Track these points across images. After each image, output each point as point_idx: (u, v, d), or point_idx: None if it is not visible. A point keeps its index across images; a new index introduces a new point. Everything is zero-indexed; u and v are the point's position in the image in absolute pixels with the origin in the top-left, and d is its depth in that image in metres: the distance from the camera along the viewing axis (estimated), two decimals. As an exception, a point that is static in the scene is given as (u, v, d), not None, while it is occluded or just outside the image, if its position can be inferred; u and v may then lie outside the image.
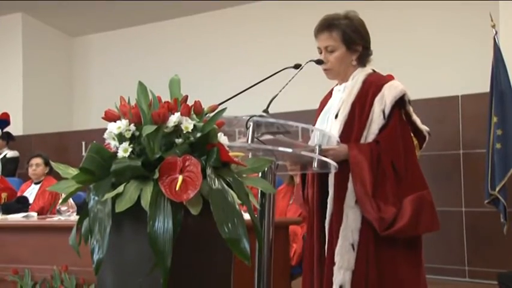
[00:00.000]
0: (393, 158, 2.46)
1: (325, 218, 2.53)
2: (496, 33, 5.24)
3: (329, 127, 2.58)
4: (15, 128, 8.42)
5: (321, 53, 2.62)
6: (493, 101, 5.14)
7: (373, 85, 2.54)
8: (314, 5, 6.94)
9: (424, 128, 2.67)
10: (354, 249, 2.45)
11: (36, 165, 6.06)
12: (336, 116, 2.56)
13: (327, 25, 2.59)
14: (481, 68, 5.60)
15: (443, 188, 5.36)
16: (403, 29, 6.56)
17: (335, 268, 2.46)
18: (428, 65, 6.42)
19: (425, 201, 2.45)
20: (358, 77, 2.59)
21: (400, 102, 2.53)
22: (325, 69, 2.63)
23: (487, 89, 5.23)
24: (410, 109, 2.58)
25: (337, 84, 2.71)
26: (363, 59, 2.63)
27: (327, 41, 2.58)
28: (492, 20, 5.20)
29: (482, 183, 5.15)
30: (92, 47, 9.16)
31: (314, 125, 2.68)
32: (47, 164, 6.03)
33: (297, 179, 2.85)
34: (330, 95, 2.74)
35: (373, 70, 2.64)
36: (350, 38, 2.56)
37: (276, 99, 2.37)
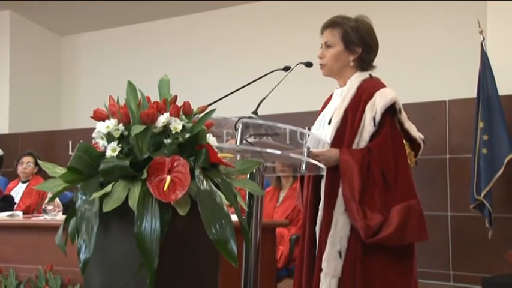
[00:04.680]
0: (383, 166, 2.44)
1: (316, 223, 2.52)
2: (484, 39, 5.28)
3: (324, 133, 2.57)
4: (1, 126, 8.36)
5: (321, 48, 2.63)
6: (479, 106, 5.18)
7: (366, 92, 2.52)
8: (305, 7, 6.96)
9: (419, 135, 2.64)
10: (341, 256, 2.43)
11: (27, 164, 6.04)
12: (330, 122, 2.55)
13: (331, 21, 2.61)
14: (468, 73, 5.64)
15: (429, 192, 5.39)
16: (390, 33, 6.57)
17: (322, 275, 2.45)
18: (416, 69, 6.45)
19: (413, 211, 2.42)
20: (353, 82, 2.58)
21: (392, 110, 2.51)
22: (320, 65, 2.62)
23: (474, 95, 5.27)
24: (403, 117, 2.56)
25: (337, 88, 2.70)
26: (362, 63, 2.61)
27: (327, 36, 2.60)
28: (480, 26, 5.24)
29: (468, 188, 5.19)
30: (80, 46, 9.11)
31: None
32: (36, 163, 6.00)
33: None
34: (330, 97, 2.73)
35: (370, 75, 2.62)
36: (349, 37, 2.56)
37: (266, 101, 2.37)
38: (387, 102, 2.48)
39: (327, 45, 2.59)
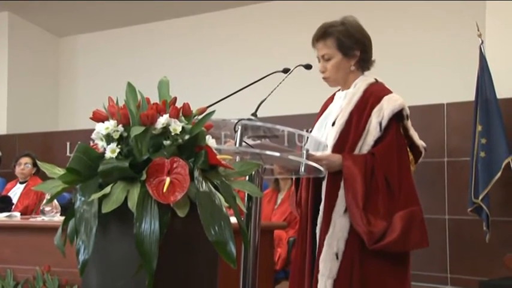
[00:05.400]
0: (387, 172, 2.43)
1: (316, 224, 2.52)
2: (482, 42, 5.28)
3: (326, 134, 2.56)
4: (-1, 127, 8.37)
5: (319, 61, 2.61)
6: (477, 109, 5.18)
7: (373, 96, 2.51)
8: (304, 8, 6.97)
9: (421, 143, 2.63)
10: (337, 258, 2.43)
11: (24, 165, 6.04)
12: (333, 124, 2.54)
13: (321, 34, 2.57)
14: (467, 76, 5.64)
15: (427, 195, 5.38)
16: (388, 35, 6.58)
17: (319, 275, 2.45)
18: (414, 72, 6.45)
19: (416, 218, 2.42)
20: (359, 85, 2.56)
21: (398, 116, 2.50)
22: (323, 78, 2.61)
23: (472, 98, 5.27)
24: (408, 123, 2.56)
25: (339, 90, 2.69)
26: (363, 63, 2.60)
27: (322, 49, 2.57)
28: (478, 29, 5.25)
29: (466, 191, 5.18)
30: (78, 47, 9.11)
31: (313, 128, 2.67)
32: (34, 164, 6.01)
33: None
34: (331, 99, 2.72)
35: (376, 80, 2.61)
36: (344, 44, 2.54)
37: (265, 102, 2.37)
38: (395, 108, 2.48)
39: (325, 59, 2.58)
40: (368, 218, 2.38)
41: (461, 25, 6.08)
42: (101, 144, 1.70)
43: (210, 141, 1.78)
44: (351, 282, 2.42)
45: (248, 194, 2.25)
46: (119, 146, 1.67)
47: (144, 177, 1.61)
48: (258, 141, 2.27)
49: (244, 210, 2.17)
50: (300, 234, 2.65)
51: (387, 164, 2.44)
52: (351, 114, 2.51)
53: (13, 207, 5.39)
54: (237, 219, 1.71)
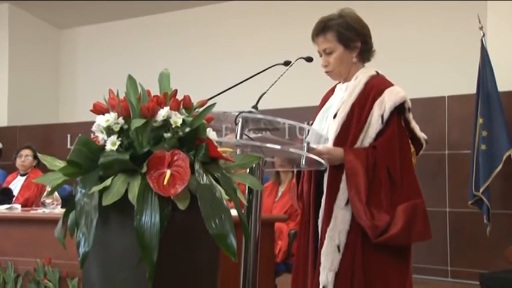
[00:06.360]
0: (389, 164, 2.42)
1: (318, 217, 2.51)
2: (484, 35, 5.27)
3: (327, 126, 2.55)
4: (0, 119, 8.36)
5: (321, 56, 2.60)
6: (479, 102, 5.18)
7: (375, 88, 2.50)
8: (307, 2, 6.95)
9: (422, 135, 2.62)
10: (339, 250, 2.43)
11: (25, 157, 6.06)
12: (335, 116, 2.52)
13: (321, 28, 2.55)
14: (468, 69, 5.64)
15: (428, 188, 5.37)
16: (390, 29, 6.57)
17: (320, 268, 2.45)
18: (416, 65, 6.44)
19: (418, 210, 2.42)
20: (361, 78, 2.55)
21: (400, 109, 2.50)
22: (327, 72, 2.60)
23: (474, 91, 5.27)
24: (410, 116, 2.55)
25: (339, 82, 2.68)
26: (364, 54, 2.59)
27: (323, 44, 2.55)
28: (480, 22, 5.24)
29: (467, 184, 5.19)
30: (79, 39, 9.10)
31: (314, 120, 2.66)
32: (35, 156, 6.03)
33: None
34: (332, 91, 2.71)
35: (377, 72, 2.60)
36: (345, 36, 2.52)
37: (266, 95, 2.37)
38: (397, 101, 2.47)
39: (327, 53, 2.56)
40: (371, 212, 2.38)
41: (463, 18, 6.06)
42: (101, 136, 1.70)
43: (211, 133, 1.77)
44: (353, 275, 2.42)
45: (249, 187, 2.25)
46: (120, 139, 1.67)
47: (144, 169, 1.61)
48: (259, 134, 2.26)
49: (245, 202, 2.17)
50: (302, 227, 2.64)
51: (389, 157, 2.44)
52: (353, 107, 2.50)
53: (14, 199, 5.39)
54: (237, 211, 1.71)
